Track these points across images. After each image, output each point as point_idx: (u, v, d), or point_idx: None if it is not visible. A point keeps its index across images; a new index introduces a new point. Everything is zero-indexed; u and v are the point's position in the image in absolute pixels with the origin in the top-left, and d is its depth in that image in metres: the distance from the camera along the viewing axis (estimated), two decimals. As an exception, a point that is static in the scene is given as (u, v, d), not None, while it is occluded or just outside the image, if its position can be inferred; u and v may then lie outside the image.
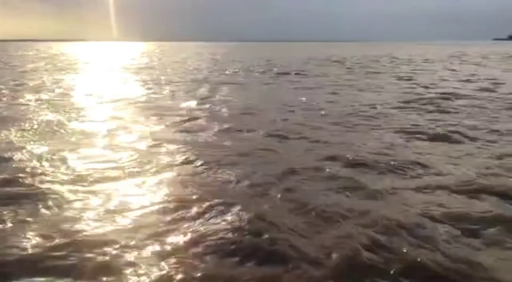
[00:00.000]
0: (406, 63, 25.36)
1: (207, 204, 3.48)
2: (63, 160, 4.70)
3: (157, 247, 2.79)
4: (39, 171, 4.32)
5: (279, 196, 3.71)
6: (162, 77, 16.42)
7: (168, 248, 2.79)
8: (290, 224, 3.15)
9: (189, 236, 2.95)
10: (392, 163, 4.61)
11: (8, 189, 3.83)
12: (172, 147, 5.35)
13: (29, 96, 10.26)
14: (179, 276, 2.48)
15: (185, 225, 3.11)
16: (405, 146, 5.46)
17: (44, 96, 10.39)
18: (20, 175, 4.17)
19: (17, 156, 4.86)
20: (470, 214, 3.43)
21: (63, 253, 2.71)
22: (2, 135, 5.95)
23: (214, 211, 3.36)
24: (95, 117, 7.57)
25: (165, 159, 4.78)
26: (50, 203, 3.51)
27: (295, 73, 17.67)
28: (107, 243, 2.84)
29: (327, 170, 4.41)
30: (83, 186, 3.91)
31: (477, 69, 19.39)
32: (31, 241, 2.86)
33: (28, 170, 4.34)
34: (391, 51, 47.96)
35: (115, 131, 6.29)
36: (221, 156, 4.92)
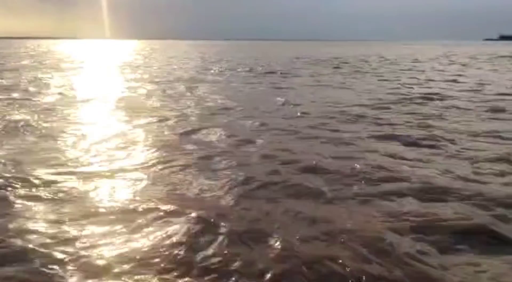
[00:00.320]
0: (395, 63, 25.26)
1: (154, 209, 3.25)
2: (15, 162, 4.45)
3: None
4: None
5: (230, 204, 3.48)
6: (146, 76, 16.13)
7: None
8: (240, 230, 2.94)
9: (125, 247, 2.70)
10: (358, 168, 4.39)
11: None
12: (134, 149, 5.10)
13: (-1, 96, 9.92)
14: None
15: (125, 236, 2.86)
16: (376, 150, 5.23)
17: (14, 95, 10.05)
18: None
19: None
20: (436, 223, 3.24)
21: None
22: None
23: (159, 219, 3.13)
24: (58, 117, 7.28)
25: (120, 162, 4.52)
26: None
27: (281, 73, 17.48)
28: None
29: (283, 175, 4.18)
30: (30, 189, 3.69)
31: (464, 70, 19.32)
32: None
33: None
34: (381, 51, 47.98)
35: (75, 132, 6.02)
36: (177, 159, 4.68)
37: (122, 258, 2.59)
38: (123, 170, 4.27)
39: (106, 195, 3.62)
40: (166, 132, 6.11)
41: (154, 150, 5.09)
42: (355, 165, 4.46)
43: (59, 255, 2.61)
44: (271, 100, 9.54)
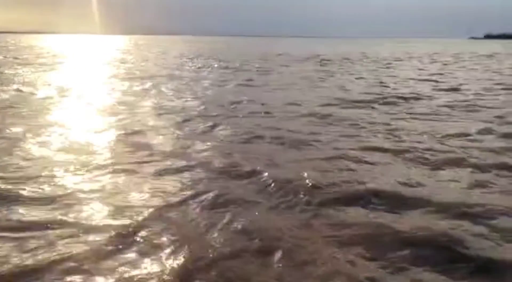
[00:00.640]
0: (376, 61, 25.08)
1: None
2: None
3: None
4: None
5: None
6: (121, 72, 15.66)
7: None
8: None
9: None
10: (305, 175, 4.06)
11: None
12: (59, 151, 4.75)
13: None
14: None
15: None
16: (329, 154, 4.91)
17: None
18: None
19: None
20: (385, 234, 2.97)
21: None
22: None
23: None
24: (12, 115, 6.85)
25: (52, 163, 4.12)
26: None
27: (257, 70, 17.25)
28: None
29: (218, 183, 3.85)
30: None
31: (445, 69, 19.19)
32: None
33: None
34: (365, 49, 47.87)
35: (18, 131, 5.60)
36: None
37: None
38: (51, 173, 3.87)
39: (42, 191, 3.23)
40: (104, 133, 5.74)
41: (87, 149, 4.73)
42: (303, 172, 4.12)
43: None
44: (236, 99, 9.13)
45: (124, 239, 2.76)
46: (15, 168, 4.13)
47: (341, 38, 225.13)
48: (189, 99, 9.06)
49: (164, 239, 2.78)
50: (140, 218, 3.06)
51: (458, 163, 4.60)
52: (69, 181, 3.80)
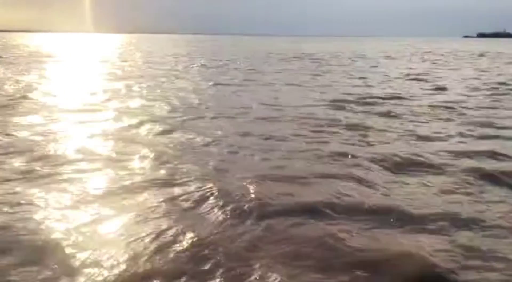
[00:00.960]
0: (367, 60, 24.91)
1: None
2: None
3: None
4: None
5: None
6: (100, 71, 15.34)
7: None
8: None
9: None
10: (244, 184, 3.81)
11: None
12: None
13: None
14: None
15: None
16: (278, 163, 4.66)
17: None
18: None
19: None
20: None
21: None
22: None
23: None
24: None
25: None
26: None
27: (248, 69, 17.12)
28: None
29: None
30: None
31: (434, 68, 19.02)
32: None
33: None
34: (357, 47, 47.71)
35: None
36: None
37: None
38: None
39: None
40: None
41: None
42: (244, 183, 3.85)
43: None
44: (203, 101, 8.84)
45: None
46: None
47: (338, 36, 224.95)
48: (157, 100, 8.72)
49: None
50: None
51: (426, 167, 4.39)
52: None
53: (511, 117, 7.19)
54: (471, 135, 5.92)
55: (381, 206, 3.40)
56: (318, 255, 2.67)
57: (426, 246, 2.81)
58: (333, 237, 2.88)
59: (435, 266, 2.54)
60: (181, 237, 2.82)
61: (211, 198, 3.49)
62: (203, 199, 3.48)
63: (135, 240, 2.76)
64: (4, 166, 4.18)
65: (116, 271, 2.40)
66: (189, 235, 2.84)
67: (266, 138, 5.55)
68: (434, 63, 22.47)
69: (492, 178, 4.11)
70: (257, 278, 2.38)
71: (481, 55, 31.60)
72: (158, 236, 2.82)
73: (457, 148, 5.18)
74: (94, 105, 8.03)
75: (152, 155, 4.62)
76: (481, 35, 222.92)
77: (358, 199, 3.54)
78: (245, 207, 3.31)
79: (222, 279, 2.37)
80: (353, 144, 5.37)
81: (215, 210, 3.28)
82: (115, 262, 2.49)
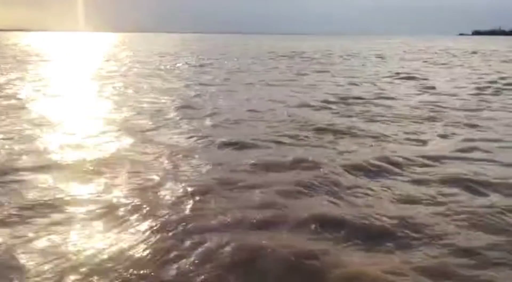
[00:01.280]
0: (358, 58, 24.59)
1: None
2: None
3: None
4: None
5: None
6: (82, 70, 14.95)
7: None
8: None
9: None
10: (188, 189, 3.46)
11: None
12: None
13: None
14: None
15: None
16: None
17: None
18: None
19: None
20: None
21: None
22: None
23: None
24: None
25: None
26: None
27: (238, 68, 16.80)
28: None
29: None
30: None
31: (426, 66, 18.68)
32: None
33: None
34: (351, 46, 47.41)
35: None
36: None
37: None
38: None
39: None
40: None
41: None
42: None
43: None
44: (181, 101, 8.48)
45: None
46: None
47: (337, 34, 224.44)
48: (121, 103, 8.28)
49: None
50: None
51: (393, 174, 4.07)
52: None
53: (493, 120, 6.79)
54: (448, 138, 5.59)
55: (334, 217, 3.08)
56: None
57: (382, 264, 2.49)
58: (272, 255, 2.55)
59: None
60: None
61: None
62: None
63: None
64: None
65: None
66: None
67: (225, 144, 5.13)
68: (426, 62, 22.17)
69: (466, 185, 3.80)
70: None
71: (474, 53, 31.36)
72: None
73: (429, 152, 4.84)
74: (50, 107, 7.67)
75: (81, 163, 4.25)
76: (476, 33, 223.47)
77: (311, 210, 3.20)
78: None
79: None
80: (318, 148, 5.03)
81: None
82: None
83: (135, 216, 3.09)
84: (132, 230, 2.88)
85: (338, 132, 5.77)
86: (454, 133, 5.84)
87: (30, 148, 4.79)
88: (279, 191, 3.60)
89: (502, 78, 13.41)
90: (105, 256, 2.52)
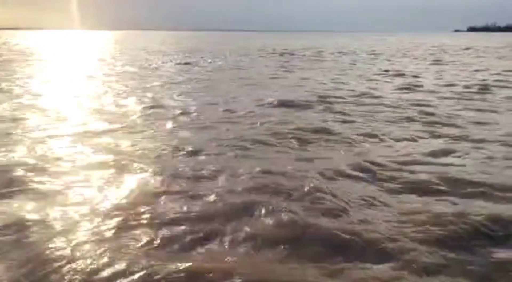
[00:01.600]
0: (350, 55, 24.29)
1: None
2: None
3: None
4: None
5: None
6: (65, 70, 14.57)
7: None
8: None
9: None
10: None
11: None
12: None
13: None
14: None
15: None
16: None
17: None
18: None
19: None
20: None
21: None
22: None
23: None
24: None
25: None
26: None
27: (218, 67, 16.30)
28: None
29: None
30: None
31: (416, 63, 18.39)
32: None
33: None
34: (346, 42, 47.11)
35: None
36: None
37: None
38: None
39: None
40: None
41: None
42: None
43: None
44: (151, 101, 8.15)
45: None
46: None
47: (336, 31, 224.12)
48: (85, 105, 7.93)
49: None
50: None
51: (358, 180, 3.78)
52: None
53: (476, 120, 6.47)
54: (422, 140, 5.32)
55: (286, 228, 2.81)
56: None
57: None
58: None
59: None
60: None
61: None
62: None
63: None
64: None
65: None
66: None
67: (182, 150, 4.77)
68: (417, 58, 21.92)
69: (433, 191, 3.56)
70: None
71: (467, 49, 31.11)
72: None
73: (397, 156, 4.56)
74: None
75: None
76: (471, 29, 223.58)
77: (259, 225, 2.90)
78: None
79: None
80: (284, 153, 4.71)
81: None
82: None
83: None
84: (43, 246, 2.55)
85: (313, 135, 5.46)
86: (431, 135, 5.55)
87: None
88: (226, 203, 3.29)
89: (491, 75, 13.16)
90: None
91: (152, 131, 5.67)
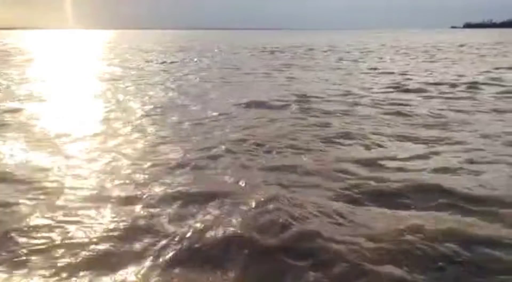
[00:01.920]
0: (342, 53, 23.93)
1: None
2: None
3: None
4: None
5: None
6: (46, 71, 14.18)
7: None
8: None
9: None
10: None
11: None
12: None
13: None
14: None
15: None
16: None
17: None
18: None
19: None
20: None
21: None
22: None
23: None
24: None
25: None
26: None
27: (204, 66, 15.90)
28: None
29: None
30: None
31: (408, 61, 18.06)
32: None
33: None
34: (340, 40, 46.78)
35: None
36: None
37: None
38: None
39: None
40: None
41: None
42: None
43: None
44: (118, 102, 7.83)
45: None
46: None
47: (335, 29, 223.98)
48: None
49: None
50: None
51: (311, 187, 3.46)
52: None
53: (456, 123, 6.08)
54: (397, 143, 4.99)
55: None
56: None
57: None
58: None
59: None
60: None
61: None
62: None
63: None
64: None
65: None
66: None
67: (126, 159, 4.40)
68: (409, 56, 21.62)
69: (396, 203, 3.26)
70: None
71: (461, 46, 30.80)
72: None
73: (366, 161, 4.24)
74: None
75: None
76: (468, 26, 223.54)
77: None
78: None
79: None
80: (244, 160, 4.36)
81: None
82: None
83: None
84: None
85: (279, 140, 5.09)
86: (407, 138, 5.20)
87: None
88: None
89: (482, 72, 12.82)
90: None
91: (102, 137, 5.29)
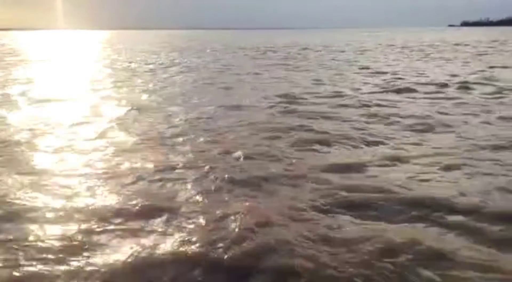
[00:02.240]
0: (335, 53, 23.62)
1: None
2: None
3: None
4: None
5: None
6: (29, 73, 13.84)
7: None
8: None
9: None
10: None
11: None
12: None
13: None
14: None
15: None
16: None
17: None
18: None
19: None
20: None
21: None
22: None
23: None
24: None
25: None
26: None
27: (193, 68, 15.56)
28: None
29: None
30: None
31: (402, 60, 17.78)
32: None
33: None
34: (336, 39, 46.50)
35: None
36: None
37: None
38: None
39: None
40: None
41: None
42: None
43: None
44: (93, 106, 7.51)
45: None
46: None
47: (334, 28, 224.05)
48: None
49: None
50: None
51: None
52: None
53: (440, 126, 5.73)
54: (376, 147, 4.72)
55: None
56: None
57: None
58: None
59: None
60: None
61: None
62: None
63: None
64: None
65: None
66: None
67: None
68: (403, 54, 21.36)
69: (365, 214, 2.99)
70: None
71: (456, 45, 30.51)
72: None
73: (339, 168, 3.95)
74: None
75: None
76: (465, 24, 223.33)
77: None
78: None
79: None
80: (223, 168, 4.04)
81: None
82: None
83: None
84: None
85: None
86: (389, 142, 4.89)
87: None
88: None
89: (476, 72, 12.52)
90: None
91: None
